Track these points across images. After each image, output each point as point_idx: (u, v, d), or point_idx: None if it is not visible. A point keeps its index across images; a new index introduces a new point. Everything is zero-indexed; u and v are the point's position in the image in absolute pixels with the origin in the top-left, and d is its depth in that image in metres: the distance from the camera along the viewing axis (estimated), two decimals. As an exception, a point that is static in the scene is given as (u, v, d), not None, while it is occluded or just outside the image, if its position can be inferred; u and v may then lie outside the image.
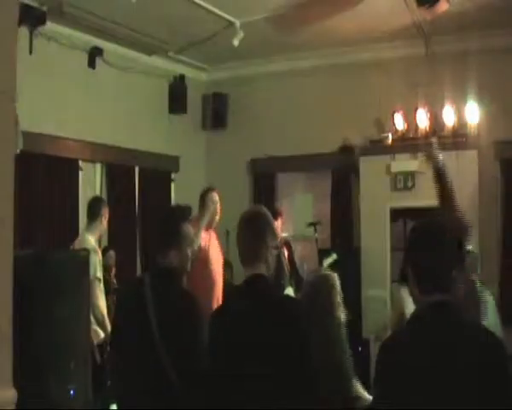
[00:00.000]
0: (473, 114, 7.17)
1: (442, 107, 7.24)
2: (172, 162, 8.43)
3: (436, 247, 2.19)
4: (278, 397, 2.52)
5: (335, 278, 3.68)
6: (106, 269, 5.71)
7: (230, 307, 2.89)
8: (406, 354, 2.12)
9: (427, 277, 2.18)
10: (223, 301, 5.09)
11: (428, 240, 2.22)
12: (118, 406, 3.13)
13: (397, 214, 7.57)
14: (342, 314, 3.60)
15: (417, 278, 2.20)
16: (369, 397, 3.32)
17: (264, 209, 2.86)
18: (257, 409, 2.53)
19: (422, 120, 7.35)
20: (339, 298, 3.62)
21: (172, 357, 2.83)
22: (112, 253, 6.75)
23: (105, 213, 5.64)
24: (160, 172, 8.31)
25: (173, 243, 3.07)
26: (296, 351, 2.56)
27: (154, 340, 2.85)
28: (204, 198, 5.69)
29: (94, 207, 5.65)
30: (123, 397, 3.06)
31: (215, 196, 5.69)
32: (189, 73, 8.46)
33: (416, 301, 2.25)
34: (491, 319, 4.50)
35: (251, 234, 2.75)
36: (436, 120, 7.33)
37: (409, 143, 7.45)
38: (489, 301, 4.65)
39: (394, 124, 7.52)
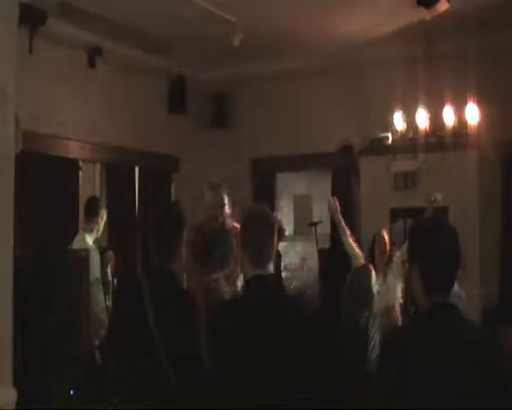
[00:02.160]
0: (473, 114, 7.16)
1: (442, 107, 7.24)
2: (172, 162, 8.43)
3: (441, 248, 2.20)
4: (281, 398, 2.52)
5: None
6: (105, 269, 5.71)
7: (238, 305, 2.85)
8: (408, 352, 2.14)
9: (432, 278, 2.20)
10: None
11: (433, 241, 2.22)
12: (116, 406, 3.13)
13: (397, 214, 7.57)
14: None
15: (423, 278, 2.21)
16: None
17: (269, 208, 2.86)
18: (257, 409, 2.53)
19: (422, 120, 7.35)
20: None
21: (171, 356, 2.83)
22: (111, 253, 6.74)
23: (102, 214, 5.64)
24: (160, 172, 8.31)
25: (172, 243, 3.06)
26: (304, 351, 2.56)
27: (152, 340, 2.84)
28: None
29: (91, 207, 5.66)
30: (121, 397, 3.05)
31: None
32: (189, 73, 8.45)
33: (418, 300, 2.26)
34: None
35: (261, 234, 2.71)
36: (436, 120, 7.32)
37: (409, 143, 7.45)
38: None
39: (394, 124, 7.52)
